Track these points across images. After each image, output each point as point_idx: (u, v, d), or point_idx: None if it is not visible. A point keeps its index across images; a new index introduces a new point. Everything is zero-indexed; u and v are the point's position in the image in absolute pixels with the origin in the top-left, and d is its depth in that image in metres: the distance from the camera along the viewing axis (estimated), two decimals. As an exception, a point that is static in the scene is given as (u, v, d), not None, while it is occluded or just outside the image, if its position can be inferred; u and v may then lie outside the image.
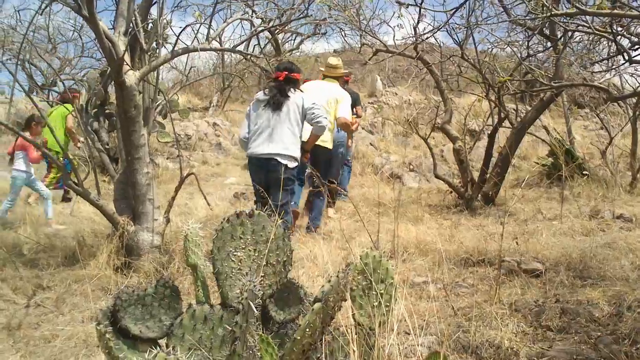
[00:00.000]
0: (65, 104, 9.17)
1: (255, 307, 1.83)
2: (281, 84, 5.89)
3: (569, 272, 4.66)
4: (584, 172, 9.29)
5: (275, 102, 5.81)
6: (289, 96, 5.85)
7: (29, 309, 4.45)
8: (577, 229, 6.23)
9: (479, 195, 8.21)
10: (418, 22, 7.67)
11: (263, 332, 2.12)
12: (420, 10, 7.11)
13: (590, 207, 7.26)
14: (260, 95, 6.05)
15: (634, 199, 8.27)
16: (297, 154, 5.92)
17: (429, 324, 3.63)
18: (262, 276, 2.33)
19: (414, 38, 7.92)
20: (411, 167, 11.89)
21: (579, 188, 8.77)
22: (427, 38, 8.08)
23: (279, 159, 5.71)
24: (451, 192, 8.69)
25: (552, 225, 6.49)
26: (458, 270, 5.06)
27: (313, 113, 5.86)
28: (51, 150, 8.68)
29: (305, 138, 6.13)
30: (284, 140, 5.76)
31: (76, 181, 5.38)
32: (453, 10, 4.57)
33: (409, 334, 3.24)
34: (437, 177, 8.83)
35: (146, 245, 5.43)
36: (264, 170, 5.80)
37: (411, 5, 5.13)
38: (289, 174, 5.78)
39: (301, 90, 6.11)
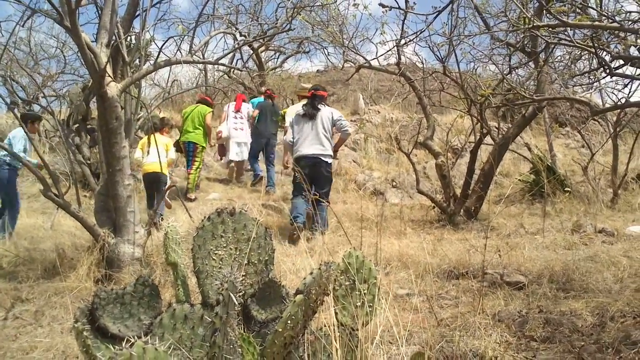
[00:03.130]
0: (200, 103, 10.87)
1: (236, 302, 1.79)
2: (311, 100, 7.71)
3: (552, 285, 4.66)
4: (566, 189, 9.34)
5: (310, 114, 7.60)
6: (319, 109, 7.62)
7: (7, 321, 4.38)
8: (559, 243, 6.25)
9: (462, 210, 8.21)
10: (401, 36, 7.70)
11: (245, 332, 2.08)
12: (404, 21, 7.15)
13: (573, 222, 7.28)
14: (300, 110, 7.83)
15: (616, 214, 8.32)
16: (332, 152, 7.68)
17: (413, 334, 3.61)
18: (243, 275, 2.29)
19: (396, 46, 8.06)
20: (394, 183, 11.89)
21: (561, 204, 8.81)
22: (409, 42, 8.29)
23: (321, 157, 7.46)
24: (434, 207, 8.69)
25: (535, 240, 6.51)
26: (441, 283, 5.04)
27: (341, 124, 7.70)
28: (197, 144, 10.41)
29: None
30: (323, 143, 7.50)
31: (57, 193, 5.32)
32: (435, 13, 4.60)
33: (392, 343, 3.22)
34: (419, 192, 8.83)
35: (127, 257, 5.38)
36: (310, 166, 7.37)
37: (394, 8, 5.14)
38: (328, 168, 7.58)
39: (328, 105, 7.91)
